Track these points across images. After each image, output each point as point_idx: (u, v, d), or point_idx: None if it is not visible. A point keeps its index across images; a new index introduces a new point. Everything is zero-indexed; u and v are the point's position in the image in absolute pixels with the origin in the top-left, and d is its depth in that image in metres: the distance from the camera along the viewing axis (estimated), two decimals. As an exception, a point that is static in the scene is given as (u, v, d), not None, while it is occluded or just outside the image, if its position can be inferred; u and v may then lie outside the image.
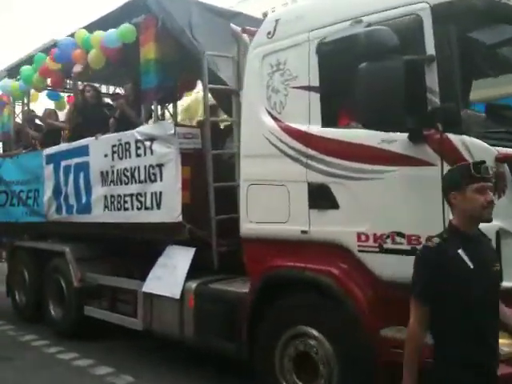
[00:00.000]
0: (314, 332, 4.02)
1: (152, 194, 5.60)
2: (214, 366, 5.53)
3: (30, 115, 8.71)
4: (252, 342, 4.46)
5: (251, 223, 4.58)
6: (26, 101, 8.84)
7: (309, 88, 4.15)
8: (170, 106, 7.71)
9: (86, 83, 7.54)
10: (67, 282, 7.06)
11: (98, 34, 6.41)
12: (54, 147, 7.35)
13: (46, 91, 9.31)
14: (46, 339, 7.02)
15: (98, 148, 6.40)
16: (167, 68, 5.89)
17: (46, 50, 7.65)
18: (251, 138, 4.61)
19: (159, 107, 6.38)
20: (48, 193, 7.40)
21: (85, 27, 6.89)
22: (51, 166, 7.32)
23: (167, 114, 7.68)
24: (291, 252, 4.24)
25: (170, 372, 5.61)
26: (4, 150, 9.40)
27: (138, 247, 6.31)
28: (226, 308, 4.80)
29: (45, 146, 7.70)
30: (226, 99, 5.45)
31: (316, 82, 4.11)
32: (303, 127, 4.16)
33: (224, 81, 5.37)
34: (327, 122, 4.06)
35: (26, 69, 7.79)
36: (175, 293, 5.27)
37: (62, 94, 9.81)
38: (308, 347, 4.06)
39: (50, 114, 8.73)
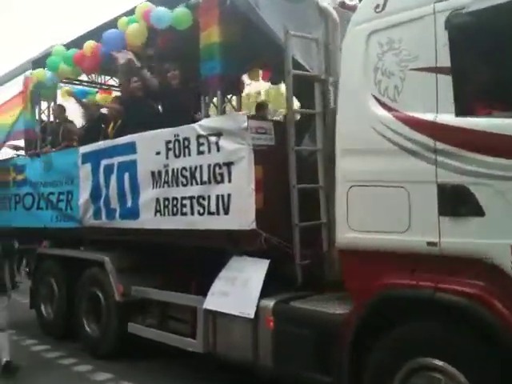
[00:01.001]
0: (443, 364, 3.27)
1: (218, 196, 4.86)
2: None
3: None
4: (355, 377, 3.72)
5: (353, 232, 3.85)
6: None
7: (436, 70, 3.43)
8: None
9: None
10: (106, 295, 6.31)
11: (146, 5, 5.71)
12: (91, 145, 6.62)
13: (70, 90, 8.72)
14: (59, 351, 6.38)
15: (148, 145, 5.67)
16: (232, 54, 5.18)
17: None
18: (353, 130, 3.89)
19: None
20: (84, 195, 6.66)
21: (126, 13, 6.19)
22: (88, 166, 6.59)
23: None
24: (411, 267, 3.51)
25: (171, 379, 5.48)
26: (27, 149, 8.64)
27: (192, 257, 5.56)
28: (317, 332, 4.07)
29: (83, 143, 6.95)
30: (306, 88, 4.71)
31: (446, 63, 3.38)
32: (428, 116, 3.44)
33: (303, 66, 4.65)
34: (462, 109, 3.32)
35: (54, 58, 7.05)
36: (248, 312, 4.53)
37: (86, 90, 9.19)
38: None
39: (61, 109, 8.06)
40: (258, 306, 4.51)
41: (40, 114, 8.30)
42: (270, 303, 4.48)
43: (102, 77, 9.18)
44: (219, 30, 5.09)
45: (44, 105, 8.39)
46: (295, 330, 4.21)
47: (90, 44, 6.66)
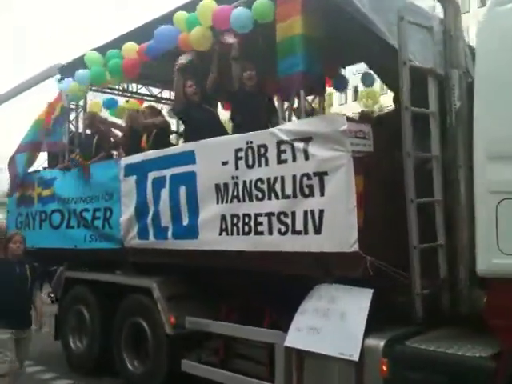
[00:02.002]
0: None
1: (306, 213, 4.11)
2: None
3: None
4: None
5: (504, 256, 3.08)
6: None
7: None
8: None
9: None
10: (154, 327, 5.50)
11: (210, 4, 5.01)
12: (136, 155, 5.86)
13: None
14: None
15: (212, 154, 4.93)
16: (316, 49, 4.48)
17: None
18: (505, 133, 3.14)
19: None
20: (127, 212, 5.87)
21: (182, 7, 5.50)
22: (132, 179, 5.82)
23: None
24: None
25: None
26: (52, 162, 7.87)
27: (262, 283, 4.77)
28: (454, 381, 3.26)
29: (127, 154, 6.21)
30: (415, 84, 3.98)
31: None
32: None
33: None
34: None
35: (97, 69, 6.33)
36: (351, 353, 3.74)
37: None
38: None
39: (93, 118, 7.34)
40: (362, 346, 3.71)
41: (69, 124, 7.56)
42: (379, 343, 3.69)
43: (132, 85, 8.47)
44: (302, 21, 4.39)
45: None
46: (421, 376, 3.42)
47: (132, 47, 5.97)
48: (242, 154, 4.61)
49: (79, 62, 7.01)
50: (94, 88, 7.82)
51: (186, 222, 5.16)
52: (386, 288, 3.90)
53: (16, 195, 7.79)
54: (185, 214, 5.16)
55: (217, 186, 4.83)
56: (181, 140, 7.42)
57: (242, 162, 4.61)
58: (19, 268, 5.47)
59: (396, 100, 6.02)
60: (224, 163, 4.77)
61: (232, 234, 4.68)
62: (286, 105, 5.02)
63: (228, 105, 8.27)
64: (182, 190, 5.18)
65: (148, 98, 8.63)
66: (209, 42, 5.20)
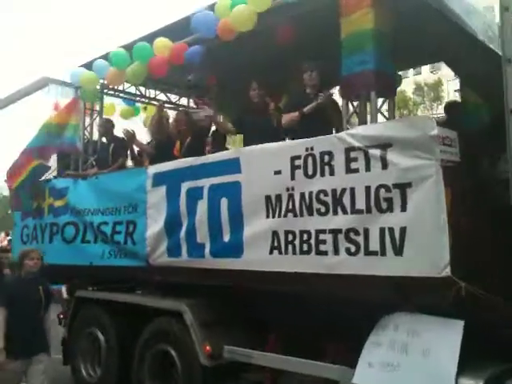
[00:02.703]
0: None
1: (383, 230, 3.56)
2: None
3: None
4: None
5: None
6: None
7: None
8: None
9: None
10: (185, 356, 4.88)
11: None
12: (168, 163, 5.30)
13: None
14: None
15: (261, 162, 4.38)
16: (387, 46, 4.00)
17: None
18: None
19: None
20: (154, 226, 5.29)
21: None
22: (162, 190, 5.25)
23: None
24: None
25: None
26: (60, 169, 7.26)
27: (317, 309, 4.19)
28: None
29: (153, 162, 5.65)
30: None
31: None
32: None
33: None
34: None
35: (135, 68, 5.76)
36: (442, 396, 3.16)
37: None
38: None
39: (110, 124, 6.79)
40: (456, 388, 3.15)
41: (83, 131, 6.98)
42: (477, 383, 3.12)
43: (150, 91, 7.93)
44: (373, 14, 3.90)
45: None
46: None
47: (165, 44, 5.44)
48: (299, 162, 4.07)
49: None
50: (109, 92, 7.32)
51: (227, 238, 4.59)
52: (479, 319, 3.35)
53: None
54: (226, 229, 4.59)
55: (267, 199, 4.27)
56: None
57: (299, 172, 4.07)
58: (33, 288, 4.88)
59: (449, 109, 5.57)
60: (276, 172, 4.22)
61: (286, 253, 4.11)
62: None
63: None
64: (224, 202, 4.62)
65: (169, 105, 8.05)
66: (251, 22, 4.64)
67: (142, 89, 7.72)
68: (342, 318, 3.96)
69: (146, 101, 7.94)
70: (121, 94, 7.58)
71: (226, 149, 5.84)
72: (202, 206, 4.80)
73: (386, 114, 4.35)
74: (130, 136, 6.18)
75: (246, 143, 4.88)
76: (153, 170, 5.42)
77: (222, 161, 4.72)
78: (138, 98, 7.78)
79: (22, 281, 4.97)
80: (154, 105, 7.97)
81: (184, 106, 8.20)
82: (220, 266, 4.64)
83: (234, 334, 4.76)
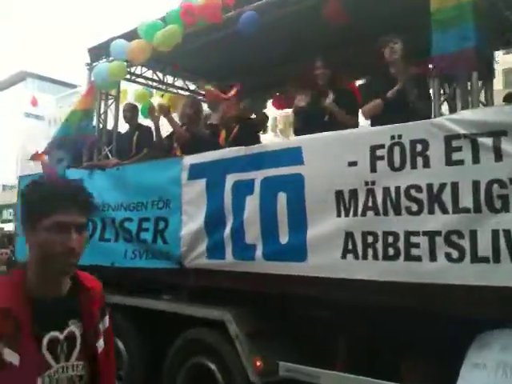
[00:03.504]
0: None
1: (497, 233, 3.02)
2: None
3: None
4: None
5: None
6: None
7: None
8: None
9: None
10: (229, 371, 4.28)
11: None
12: (209, 153, 4.68)
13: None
14: None
15: (330, 152, 3.80)
16: (486, 21, 3.45)
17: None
18: None
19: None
20: (191, 224, 4.67)
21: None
22: (201, 183, 4.64)
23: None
24: None
25: None
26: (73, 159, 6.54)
27: (395, 322, 3.62)
28: None
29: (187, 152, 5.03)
30: None
31: None
32: None
33: None
34: None
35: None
36: None
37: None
38: None
39: (135, 110, 6.15)
40: None
41: (100, 115, 6.31)
42: None
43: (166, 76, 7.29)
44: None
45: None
46: None
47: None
48: (382, 152, 3.50)
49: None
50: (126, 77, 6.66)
51: (285, 239, 4.00)
52: None
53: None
54: (284, 228, 4.00)
55: (338, 194, 3.70)
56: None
57: (382, 163, 3.50)
58: None
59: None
60: (351, 164, 3.65)
61: (365, 257, 3.54)
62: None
63: (277, 103, 7.27)
64: (281, 197, 4.03)
65: (184, 93, 7.43)
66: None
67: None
68: (425, 333, 3.41)
69: (163, 87, 7.26)
70: (137, 79, 6.89)
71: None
72: (253, 202, 4.20)
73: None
74: (166, 110, 5.52)
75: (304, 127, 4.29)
76: (189, 160, 4.80)
77: (280, 150, 4.12)
78: (155, 84, 7.10)
79: None
80: (172, 92, 7.36)
81: (203, 94, 7.56)
82: (275, 270, 4.05)
83: (286, 348, 4.18)
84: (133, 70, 6.64)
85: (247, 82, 6.68)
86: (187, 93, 7.45)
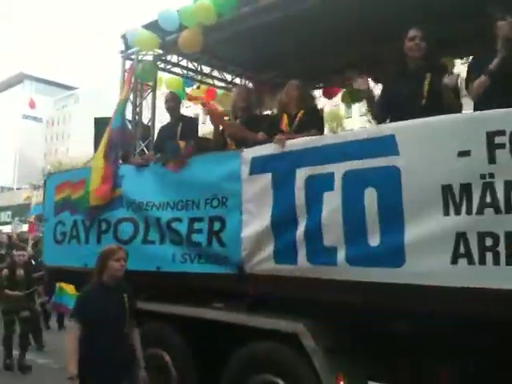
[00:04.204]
0: None
1: None
2: None
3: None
4: None
5: None
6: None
7: None
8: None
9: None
10: (305, 392, 3.74)
11: None
12: (272, 145, 4.15)
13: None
14: None
15: (432, 140, 3.28)
16: None
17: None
18: None
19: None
20: (254, 224, 4.17)
21: None
22: (266, 178, 4.13)
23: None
24: None
25: None
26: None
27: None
28: None
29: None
30: None
31: None
32: None
33: None
34: None
35: None
36: None
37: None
38: None
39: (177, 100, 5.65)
40: None
41: (137, 106, 5.80)
42: None
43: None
44: None
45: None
46: None
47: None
48: (503, 139, 3.00)
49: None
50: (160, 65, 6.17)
51: (375, 240, 3.49)
52: None
53: (55, 197, 5.92)
54: (374, 228, 3.50)
55: (446, 189, 3.19)
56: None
57: (503, 152, 2.99)
58: (117, 297, 3.78)
59: None
60: (462, 154, 3.14)
61: (482, 262, 3.03)
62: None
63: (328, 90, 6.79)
64: (370, 193, 3.52)
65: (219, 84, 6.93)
66: None
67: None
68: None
69: (198, 78, 6.76)
70: (172, 69, 6.39)
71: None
72: (333, 199, 3.69)
73: None
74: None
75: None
76: (251, 153, 4.30)
77: (366, 140, 3.61)
78: (190, 74, 6.59)
79: (103, 289, 3.83)
80: (207, 83, 6.85)
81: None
82: (361, 276, 3.54)
83: (371, 367, 3.67)
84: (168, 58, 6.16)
85: (289, 71, 6.23)
86: (221, 83, 6.93)
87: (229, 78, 7.02)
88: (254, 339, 4.15)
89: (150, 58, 5.89)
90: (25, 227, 24.21)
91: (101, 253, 3.99)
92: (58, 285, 8.75)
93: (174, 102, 5.54)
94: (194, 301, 4.83)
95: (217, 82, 6.95)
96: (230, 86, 6.98)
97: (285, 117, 4.55)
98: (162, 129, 5.74)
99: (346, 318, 3.79)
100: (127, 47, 5.90)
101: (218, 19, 4.95)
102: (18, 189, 65.17)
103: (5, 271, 7.54)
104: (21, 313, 7.26)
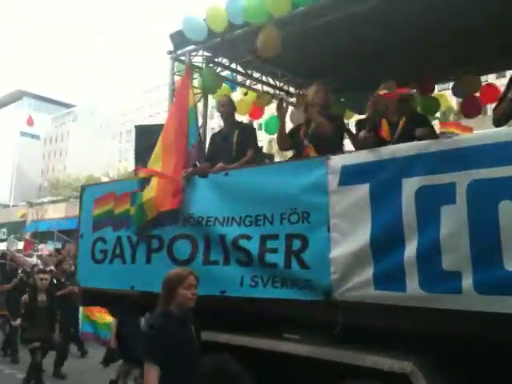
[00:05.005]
0: None
1: None
2: None
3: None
4: None
5: None
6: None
7: None
8: None
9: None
10: None
11: None
12: (372, 151, 3.60)
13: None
14: None
15: None
16: None
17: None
18: None
19: None
20: (347, 244, 3.62)
21: None
22: (362, 190, 3.59)
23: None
24: None
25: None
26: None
27: None
28: None
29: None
30: None
31: None
32: None
33: None
34: None
35: None
36: None
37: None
38: None
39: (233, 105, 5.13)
40: None
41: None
42: None
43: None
44: None
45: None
46: None
47: None
48: None
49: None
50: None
51: (513, 265, 2.90)
52: None
53: (94, 211, 5.33)
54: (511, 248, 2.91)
55: None
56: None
57: None
58: (189, 330, 3.18)
59: None
60: None
61: None
62: None
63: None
64: (506, 207, 2.95)
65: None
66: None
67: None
68: None
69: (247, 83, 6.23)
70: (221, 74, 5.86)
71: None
72: (455, 214, 3.14)
73: None
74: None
75: None
76: (340, 160, 3.74)
77: (498, 144, 3.06)
78: (239, 79, 6.07)
79: (173, 321, 3.21)
80: (253, 90, 6.32)
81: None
82: (496, 307, 2.96)
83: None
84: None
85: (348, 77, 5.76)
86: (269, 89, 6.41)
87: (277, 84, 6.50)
88: (347, 379, 3.54)
89: (199, 59, 5.35)
90: (20, 244, 23.51)
91: (167, 279, 3.37)
92: (82, 313, 8.18)
93: (229, 107, 5.01)
94: (260, 330, 4.23)
95: (266, 88, 6.40)
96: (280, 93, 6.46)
97: (384, 122, 4.00)
98: (215, 136, 5.20)
99: (463, 356, 3.21)
100: (176, 47, 5.37)
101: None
102: (14, 206, 64.23)
103: (24, 297, 6.87)
104: (42, 342, 6.59)
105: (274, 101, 6.17)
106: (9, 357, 8.74)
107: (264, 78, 6.34)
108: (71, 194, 57.89)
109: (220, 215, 4.34)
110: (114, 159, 65.20)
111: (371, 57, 5.54)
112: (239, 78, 6.18)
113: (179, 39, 5.32)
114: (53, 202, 60.73)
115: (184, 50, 5.33)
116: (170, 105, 5.29)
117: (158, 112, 61.45)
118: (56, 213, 57.80)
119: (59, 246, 24.00)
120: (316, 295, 3.73)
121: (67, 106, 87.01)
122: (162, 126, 5.20)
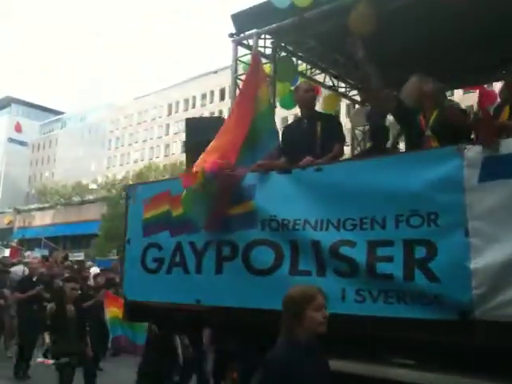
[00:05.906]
0: None
1: None
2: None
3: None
4: None
5: None
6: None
7: None
8: None
9: None
10: None
11: None
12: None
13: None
14: None
15: None
16: None
17: None
18: None
19: None
20: (492, 252, 3.00)
21: None
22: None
23: None
24: None
25: None
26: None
27: None
28: None
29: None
30: None
31: None
32: None
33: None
34: None
35: None
36: None
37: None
38: None
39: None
40: None
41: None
42: None
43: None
44: None
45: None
46: None
47: None
48: None
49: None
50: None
51: None
52: None
53: (144, 214, 4.64)
54: None
55: None
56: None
57: None
58: (321, 364, 2.49)
59: None
60: None
61: None
62: None
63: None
64: None
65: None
66: None
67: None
68: None
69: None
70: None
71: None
72: None
73: None
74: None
75: None
76: (479, 151, 3.09)
77: None
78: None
79: (302, 351, 2.52)
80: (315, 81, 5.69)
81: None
82: None
83: None
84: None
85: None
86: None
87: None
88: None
89: (268, 43, 4.71)
90: (7, 252, 22.65)
91: (290, 298, 2.70)
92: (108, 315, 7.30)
93: (312, 93, 4.35)
94: (357, 353, 3.57)
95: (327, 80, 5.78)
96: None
97: (506, 109, 3.38)
98: (289, 128, 4.54)
99: None
100: (239, 30, 4.72)
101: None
102: (1, 213, 62.86)
103: (50, 306, 6.13)
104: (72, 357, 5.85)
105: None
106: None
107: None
108: (59, 201, 56.84)
109: (311, 218, 3.67)
110: (102, 167, 64.18)
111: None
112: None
113: (245, 20, 4.67)
114: (40, 209, 59.60)
115: (250, 32, 4.66)
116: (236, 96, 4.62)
117: (145, 120, 60.83)
118: (43, 220, 56.70)
119: (46, 253, 23.21)
120: (448, 314, 3.07)
121: (56, 112, 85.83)
122: (216, 118, 4.55)
